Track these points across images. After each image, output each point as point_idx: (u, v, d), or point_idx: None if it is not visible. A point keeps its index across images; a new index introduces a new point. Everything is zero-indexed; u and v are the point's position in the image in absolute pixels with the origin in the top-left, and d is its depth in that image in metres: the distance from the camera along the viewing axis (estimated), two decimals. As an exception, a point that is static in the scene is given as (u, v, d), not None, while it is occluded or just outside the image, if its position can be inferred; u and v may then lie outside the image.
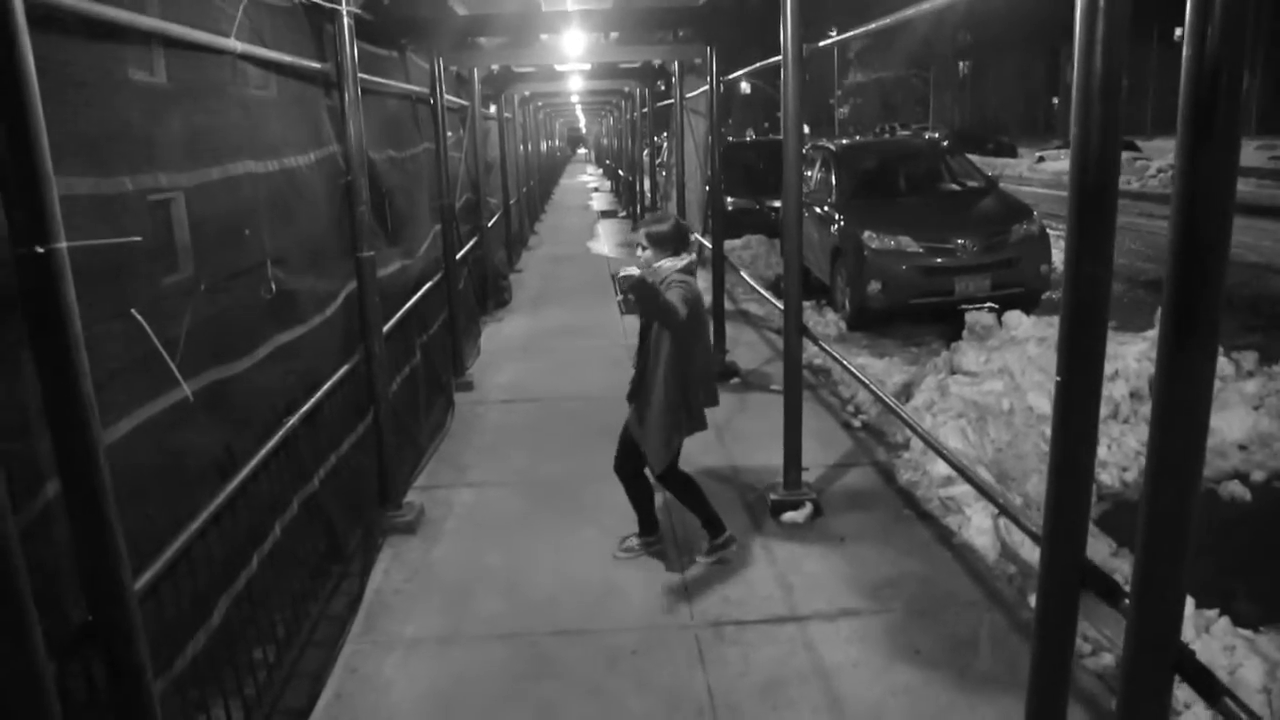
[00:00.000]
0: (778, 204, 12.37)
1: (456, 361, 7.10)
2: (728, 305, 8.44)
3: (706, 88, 7.04)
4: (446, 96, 6.97)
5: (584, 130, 54.39)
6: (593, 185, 34.15)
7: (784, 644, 3.52)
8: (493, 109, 12.17)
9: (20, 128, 1.60)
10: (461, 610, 3.85)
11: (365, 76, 4.37)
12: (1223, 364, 5.60)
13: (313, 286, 3.71)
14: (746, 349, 7.89)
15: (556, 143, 36.46)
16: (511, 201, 13.62)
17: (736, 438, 5.72)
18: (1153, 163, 25.47)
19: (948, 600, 3.80)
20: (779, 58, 4.26)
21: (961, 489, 4.45)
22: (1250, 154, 26.40)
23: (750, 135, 43.58)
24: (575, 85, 13.99)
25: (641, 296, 3.40)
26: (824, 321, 8.80)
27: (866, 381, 4.05)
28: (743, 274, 7.17)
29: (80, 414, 1.75)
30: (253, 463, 2.91)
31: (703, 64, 8.19)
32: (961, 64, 56.81)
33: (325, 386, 3.75)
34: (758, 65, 5.19)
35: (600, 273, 12.58)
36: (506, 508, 4.85)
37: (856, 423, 5.98)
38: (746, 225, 12.90)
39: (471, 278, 8.56)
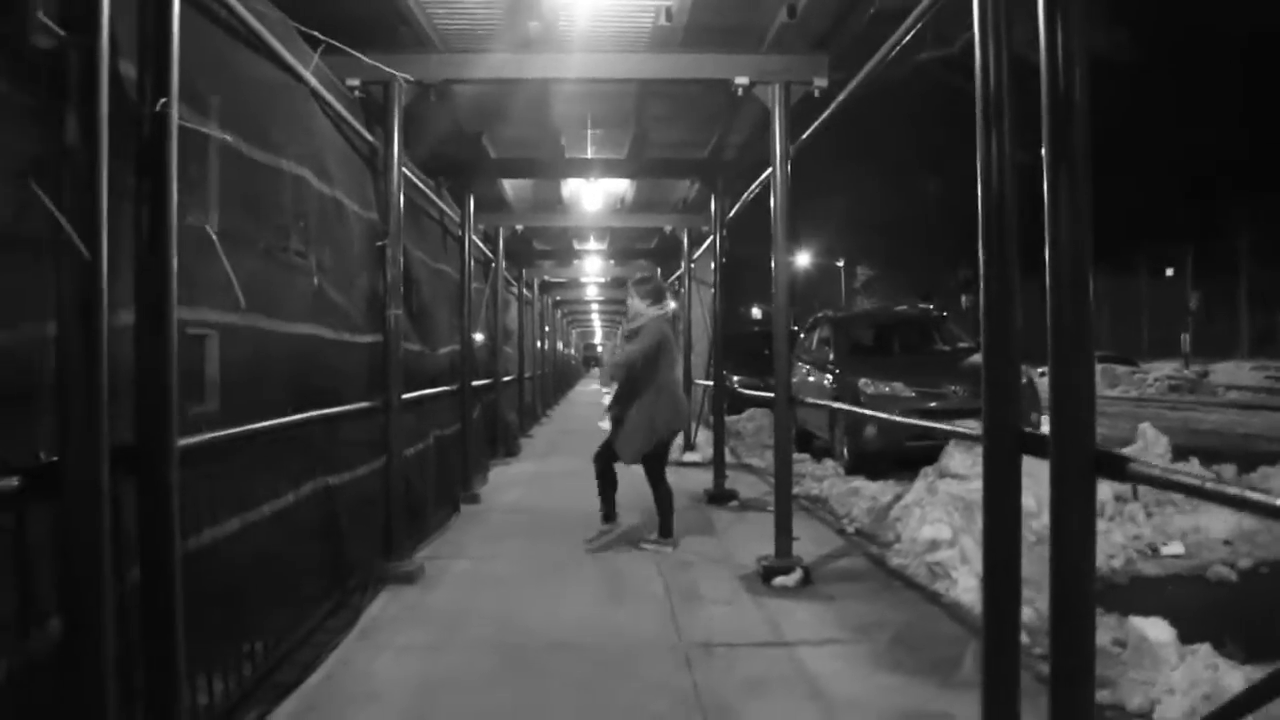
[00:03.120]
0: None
1: (465, 480, 7.34)
2: (730, 460, 8.77)
3: (712, 241, 7.73)
4: (474, 240, 7.71)
5: (599, 349, 56.45)
6: (605, 391, 35.16)
7: (770, 659, 3.58)
8: (514, 286, 13.09)
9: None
10: (453, 631, 3.93)
11: (410, 179, 5.01)
12: (1204, 473, 5.81)
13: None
14: (747, 486, 8.11)
15: (571, 351, 37.89)
16: (526, 376, 14.26)
17: (733, 539, 5.87)
18: (1150, 374, 26.45)
19: (931, 636, 3.85)
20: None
21: (948, 554, 4.57)
22: (1246, 374, 27.46)
23: (756, 311, 46.56)
24: (591, 269, 15.00)
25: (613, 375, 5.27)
26: (823, 468, 9.03)
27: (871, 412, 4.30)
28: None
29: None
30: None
31: (708, 231, 9.04)
32: (964, 297, 59.61)
33: (346, 408, 4.05)
34: (755, 188, 5.84)
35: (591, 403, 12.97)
36: (500, 571, 4.99)
37: (850, 529, 6.12)
38: (750, 401, 13.42)
39: (484, 418, 8.94)
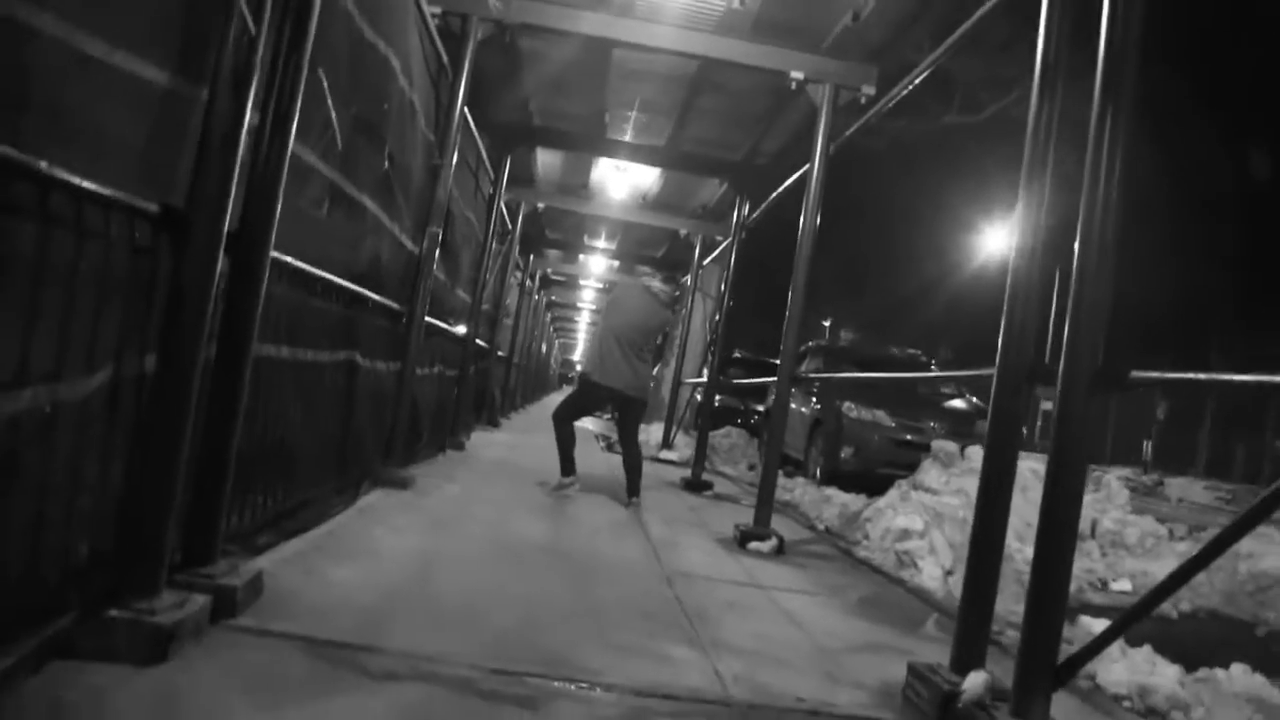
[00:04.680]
0: (759, 407, 13.23)
1: (454, 426, 7.49)
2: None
3: (730, 242, 7.98)
4: (501, 206, 7.93)
5: (578, 367, 56.53)
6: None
7: (746, 592, 3.77)
8: (519, 271, 13.29)
9: None
10: (447, 527, 4.09)
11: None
12: (1159, 528, 6.12)
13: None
14: (721, 485, 8.32)
15: (552, 359, 37.96)
16: (515, 361, 14.42)
17: (708, 516, 6.08)
18: (1110, 473, 26.87)
19: (898, 604, 4.06)
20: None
21: (917, 544, 4.80)
22: (1199, 491, 28.03)
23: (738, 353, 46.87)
24: (595, 270, 15.24)
25: None
26: (794, 482, 9.24)
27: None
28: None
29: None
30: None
31: (722, 239, 9.33)
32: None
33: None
34: (790, 182, 6.12)
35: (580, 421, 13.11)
36: (490, 494, 5.17)
37: (820, 527, 6.33)
38: (730, 420, 13.70)
39: (476, 381, 9.10)
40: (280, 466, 3.23)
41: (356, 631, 2.33)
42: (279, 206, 2.40)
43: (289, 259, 2.75)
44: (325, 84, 2.85)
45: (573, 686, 2.22)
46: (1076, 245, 2.42)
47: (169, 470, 2.05)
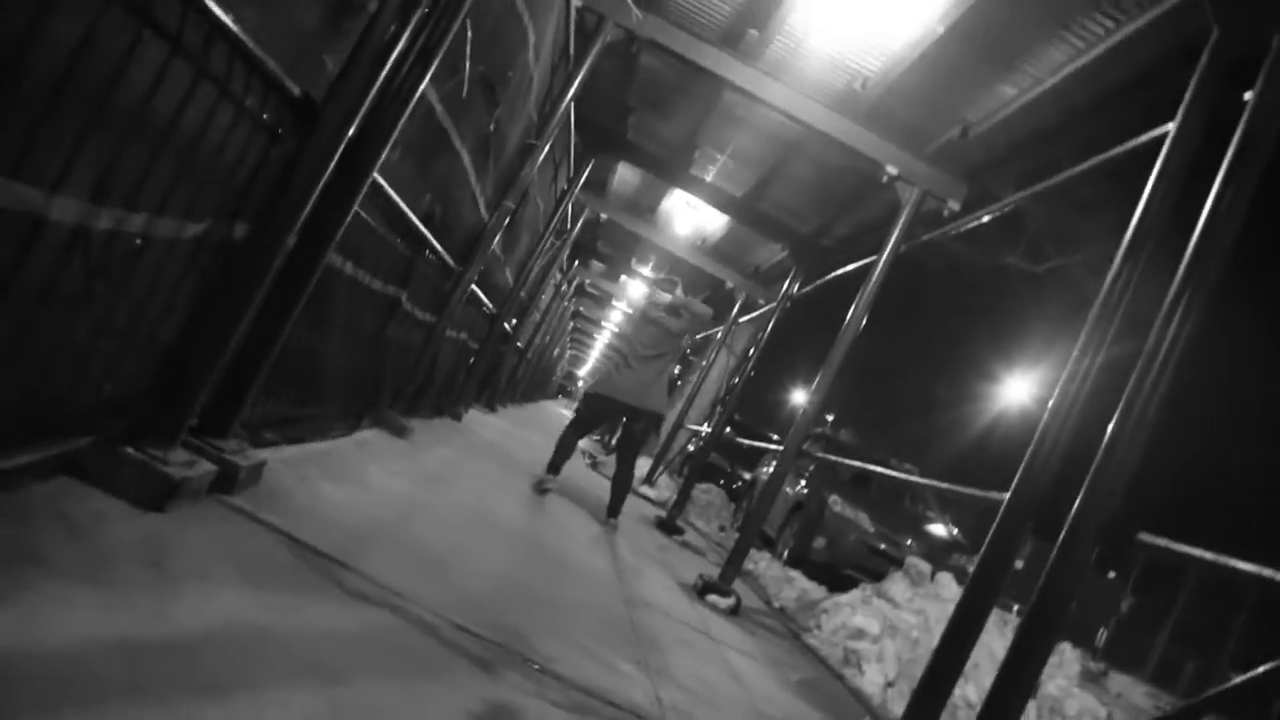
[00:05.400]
0: (746, 474, 13.29)
1: (456, 397, 7.53)
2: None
3: (774, 307, 8.07)
4: (570, 203, 8.06)
5: (579, 384, 56.29)
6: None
7: (697, 636, 3.79)
8: (561, 273, 13.40)
9: None
10: (435, 483, 4.14)
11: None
12: (1100, 709, 6.09)
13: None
14: (691, 536, 8.34)
15: (558, 368, 38.00)
16: (528, 356, 14.49)
17: (674, 559, 6.11)
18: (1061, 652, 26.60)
19: (835, 698, 4.08)
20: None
21: (868, 646, 4.80)
22: (1139, 695, 27.75)
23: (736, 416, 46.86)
24: (631, 295, 15.33)
25: None
26: (761, 556, 9.23)
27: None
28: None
29: None
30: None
31: (764, 303, 9.42)
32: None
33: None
34: (851, 268, 6.21)
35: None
36: (477, 469, 5.19)
37: (777, 604, 6.34)
38: (713, 478, 13.73)
39: (488, 361, 9.17)
40: (305, 372, 3.28)
41: (338, 547, 2.37)
42: (396, 132, 2.48)
43: (384, 183, 2.84)
44: (469, 35, 2.95)
45: (524, 664, 2.26)
46: (1119, 408, 2.48)
47: (225, 335, 2.12)
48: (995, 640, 5.66)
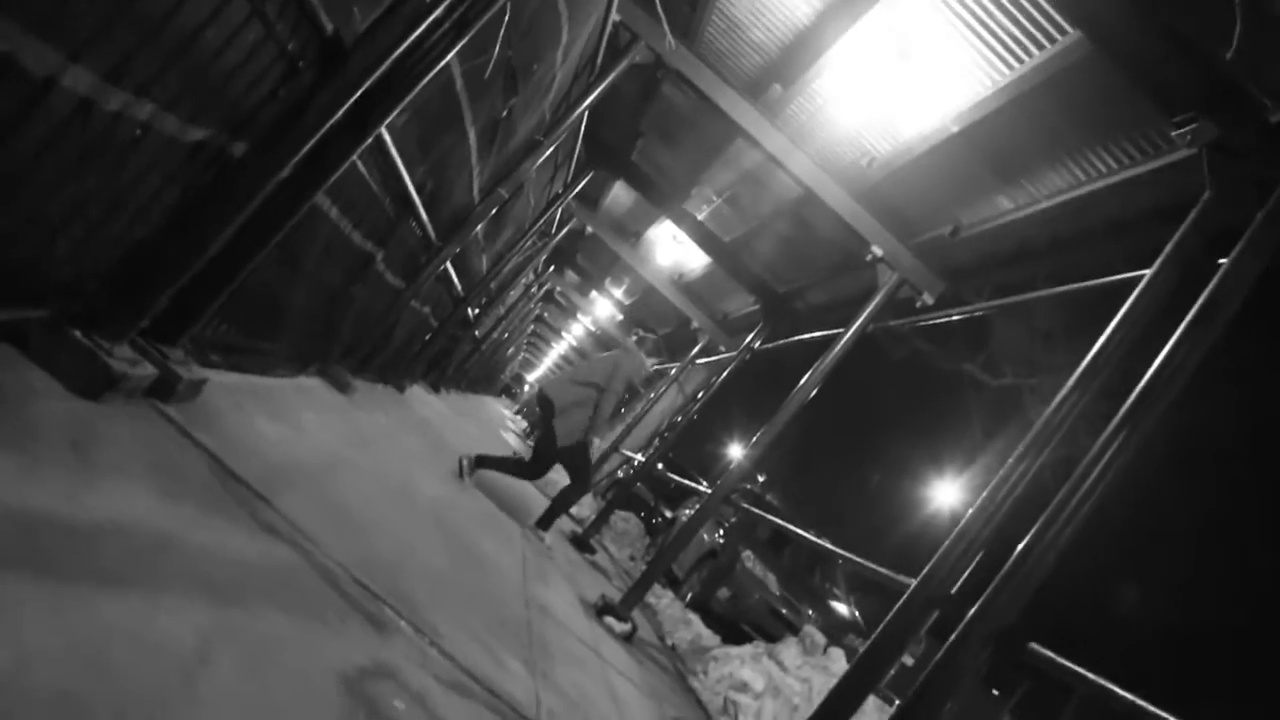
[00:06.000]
0: (668, 512, 13.34)
1: (404, 370, 7.49)
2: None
3: (735, 356, 8.17)
4: (561, 208, 8.10)
5: (527, 386, 55.62)
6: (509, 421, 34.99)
7: (587, 653, 3.80)
8: (535, 275, 13.42)
9: None
10: (365, 445, 4.11)
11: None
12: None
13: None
14: (603, 559, 8.34)
15: (508, 369, 37.74)
16: (482, 348, 14.43)
17: (579, 577, 6.10)
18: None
19: (706, 743, 4.11)
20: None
21: (749, 701, 4.85)
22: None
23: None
24: (598, 313, 15.39)
25: None
26: (665, 594, 9.25)
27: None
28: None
29: None
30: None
31: (725, 350, 9.53)
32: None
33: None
34: (815, 335, 6.33)
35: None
36: (411, 447, 5.16)
37: (669, 643, 6.36)
38: (636, 508, 13.74)
39: (443, 342, 9.12)
40: (265, 305, 3.27)
41: (258, 479, 2.36)
42: (413, 94, 2.51)
43: (389, 140, 2.86)
44: (506, 18, 2.99)
45: (416, 634, 2.26)
46: (1040, 520, 2.58)
47: (199, 246, 2.11)
48: (871, 725, 5.75)
